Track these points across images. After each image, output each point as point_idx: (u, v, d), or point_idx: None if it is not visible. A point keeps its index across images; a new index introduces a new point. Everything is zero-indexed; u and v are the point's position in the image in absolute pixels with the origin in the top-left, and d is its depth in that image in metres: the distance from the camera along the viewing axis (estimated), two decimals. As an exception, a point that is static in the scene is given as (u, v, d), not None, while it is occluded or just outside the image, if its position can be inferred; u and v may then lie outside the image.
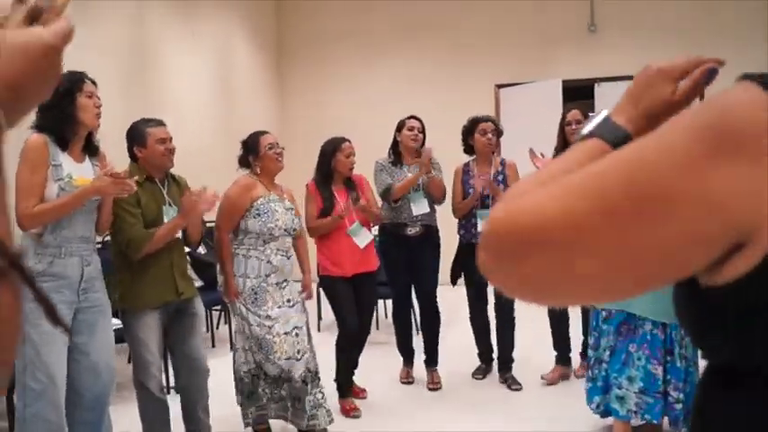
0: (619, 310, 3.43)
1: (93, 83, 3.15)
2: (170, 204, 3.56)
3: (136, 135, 3.58)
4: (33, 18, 0.78)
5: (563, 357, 5.00)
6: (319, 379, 4.01)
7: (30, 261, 2.93)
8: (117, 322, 4.76)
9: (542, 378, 4.93)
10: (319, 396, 3.97)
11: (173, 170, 3.73)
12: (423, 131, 4.95)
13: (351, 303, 4.45)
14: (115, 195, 3.13)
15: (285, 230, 3.94)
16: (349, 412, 4.48)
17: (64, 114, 3.00)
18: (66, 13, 0.83)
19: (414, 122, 4.95)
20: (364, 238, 4.52)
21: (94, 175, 3.11)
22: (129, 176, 3.53)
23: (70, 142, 3.06)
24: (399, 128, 4.99)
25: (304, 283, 4.18)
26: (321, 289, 4.67)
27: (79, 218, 3.06)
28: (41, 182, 2.94)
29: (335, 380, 4.56)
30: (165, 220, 3.50)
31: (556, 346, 5.00)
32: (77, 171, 3.06)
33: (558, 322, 4.97)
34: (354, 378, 4.72)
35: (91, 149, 3.20)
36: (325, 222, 4.44)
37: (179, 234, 3.61)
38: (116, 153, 3.34)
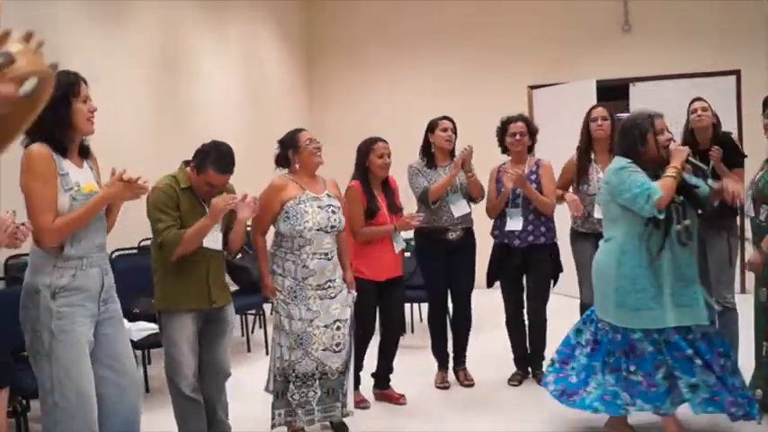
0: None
1: (85, 82, 2.92)
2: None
3: (200, 157, 3.53)
4: None
5: None
6: (349, 370, 4.06)
7: (49, 277, 2.80)
8: (152, 326, 4.81)
9: None
10: (346, 384, 4.03)
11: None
12: (455, 131, 4.93)
13: (372, 308, 4.48)
14: (131, 199, 2.97)
15: (320, 230, 3.86)
16: (360, 403, 4.54)
17: (60, 121, 2.80)
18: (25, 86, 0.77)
19: (447, 123, 4.90)
20: (400, 244, 4.56)
21: (93, 178, 3.01)
22: (174, 181, 3.55)
23: (68, 149, 2.88)
24: (431, 128, 4.93)
25: (346, 278, 4.10)
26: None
27: (95, 226, 2.93)
28: (54, 194, 2.78)
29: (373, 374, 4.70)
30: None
31: None
32: (82, 177, 2.93)
33: None
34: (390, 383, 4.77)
35: (84, 152, 3.01)
36: (376, 231, 4.44)
37: (219, 243, 3.59)
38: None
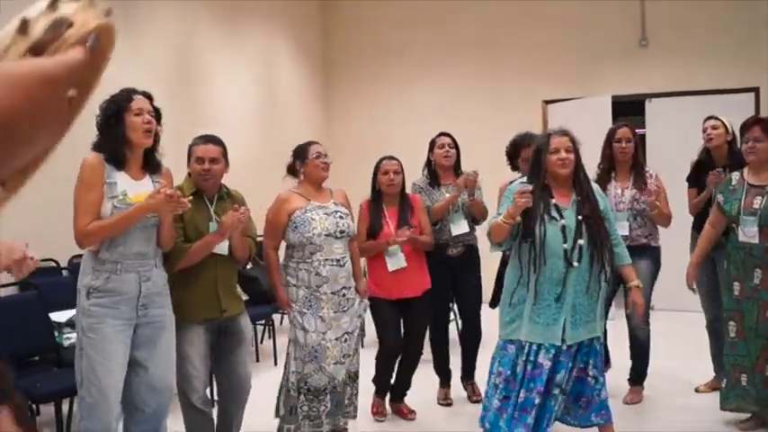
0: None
1: (149, 96, 3.16)
2: (216, 221, 3.55)
3: (189, 151, 3.68)
4: (37, 51, 0.71)
5: (641, 377, 4.96)
6: (357, 378, 4.08)
7: (88, 277, 3.01)
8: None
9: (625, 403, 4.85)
10: (353, 393, 4.06)
11: (230, 185, 3.78)
12: (455, 147, 4.86)
13: (392, 323, 4.46)
14: (169, 213, 3.12)
15: (328, 235, 3.84)
16: (375, 414, 4.63)
17: (113, 135, 3.04)
18: (88, 42, 0.73)
19: (444, 139, 4.85)
20: (396, 262, 4.44)
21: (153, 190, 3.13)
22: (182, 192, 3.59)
23: (125, 161, 3.09)
24: (431, 147, 4.90)
25: (358, 288, 4.08)
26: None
27: (135, 234, 3.07)
28: (97, 200, 2.98)
29: (373, 380, 4.65)
30: None
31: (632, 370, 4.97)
32: (134, 188, 3.07)
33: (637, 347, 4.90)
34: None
35: (152, 166, 3.21)
36: (372, 245, 4.44)
37: (226, 251, 3.58)
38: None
